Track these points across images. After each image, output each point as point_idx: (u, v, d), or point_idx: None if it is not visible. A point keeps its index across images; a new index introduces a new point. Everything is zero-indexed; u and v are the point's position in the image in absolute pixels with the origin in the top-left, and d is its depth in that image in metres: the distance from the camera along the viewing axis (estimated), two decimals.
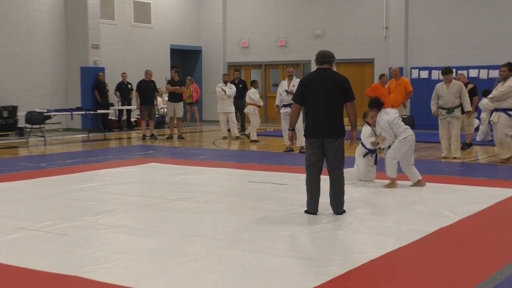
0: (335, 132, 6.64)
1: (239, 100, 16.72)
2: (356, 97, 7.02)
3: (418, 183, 8.47)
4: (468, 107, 11.57)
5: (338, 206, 6.73)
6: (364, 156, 8.77)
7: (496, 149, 11.44)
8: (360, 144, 8.87)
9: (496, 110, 10.94)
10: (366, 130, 8.82)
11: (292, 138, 7.07)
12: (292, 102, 7.11)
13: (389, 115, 8.44)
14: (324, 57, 6.83)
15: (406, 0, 19.09)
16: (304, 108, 6.85)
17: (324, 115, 6.62)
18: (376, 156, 8.88)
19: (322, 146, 6.68)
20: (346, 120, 6.83)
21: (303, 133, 7.30)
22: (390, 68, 16.73)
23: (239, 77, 17.63)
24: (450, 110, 11.49)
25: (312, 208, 6.73)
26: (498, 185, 8.64)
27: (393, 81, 13.86)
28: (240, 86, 17.10)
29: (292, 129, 7.00)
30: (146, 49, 21.05)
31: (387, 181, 8.48)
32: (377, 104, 8.61)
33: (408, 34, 19.20)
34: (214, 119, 19.97)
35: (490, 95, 11.14)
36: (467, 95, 11.60)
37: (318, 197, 6.75)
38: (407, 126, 8.54)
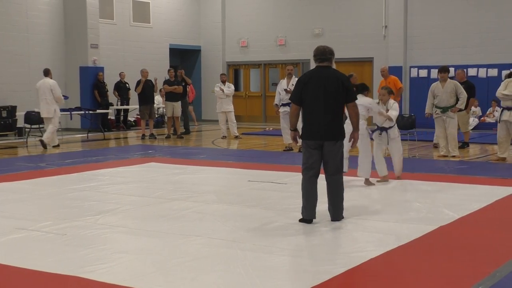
0: (334, 134, 6.30)
1: (183, 99, 16.73)
2: None
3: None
4: (460, 104, 11.48)
5: (336, 214, 6.40)
6: (374, 132, 8.78)
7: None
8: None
9: (509, 109, 10.69)
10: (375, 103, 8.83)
11: (296, 137, 6.71)
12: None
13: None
14: (324, 54, 6.41)
15: None
16: (302, 108, 6.45)
17: (323, 116, 6.26)
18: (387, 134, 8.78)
19: (320, 148, 6.31)
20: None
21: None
22: (389, 68, 16.69)
23: (181, 75, 17.26)
24: (444, 109, 11.50)
25: (308, 214, 6.32)
26: (497, 183, 8.64)
27: (383, 81, 13.92)
28: (183, 84, 17.00)
29: (294, 129, 6.62)
30: (145, 48, 21.05)
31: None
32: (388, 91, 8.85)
33: (407, 33, 19.21)
34: (214, 119, 19.98)
35: (506, 92, 10.67)
36: (464, 92, 11.55)
37: (315, 202, 6.35)
38: None
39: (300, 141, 6.68)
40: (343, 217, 6.45)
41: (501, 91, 10.77)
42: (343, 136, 6.44)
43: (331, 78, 6.33)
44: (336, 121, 6.35)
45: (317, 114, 6.30)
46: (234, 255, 5.11)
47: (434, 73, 17.73)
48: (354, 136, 6.55)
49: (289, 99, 6.64)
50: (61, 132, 17.02)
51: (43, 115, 14.23)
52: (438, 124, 11.71)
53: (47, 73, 14.39)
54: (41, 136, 14.67)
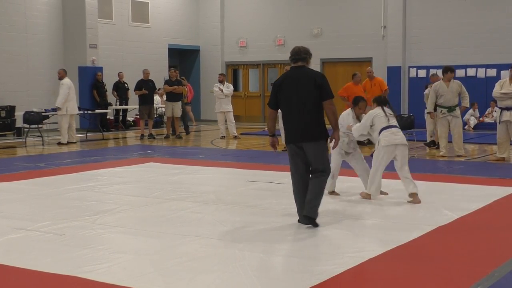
0: (313, 135, 6.06)
1: (180, 101, 16.48)
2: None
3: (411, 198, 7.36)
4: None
5: (309, 209, 6.04)
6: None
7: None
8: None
9: (508, 109, 10.58)
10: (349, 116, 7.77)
11: (274, 144, 6.43)
12: None
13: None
14: (298, 54, 6.18)
15: None
16: (280, 112, 6.30)
17: (299, 117, 6.07)
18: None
19: (302, 152, 6.12)
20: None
21: None
22: (388, 68, 16.73)
23: (176, 76, 16.71)
24: (451, 109, 11.53)
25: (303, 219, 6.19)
26: (496, 183, 8.64)
27: (367, 81, 13.88)
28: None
29: (272, 134, 6.41)
30: (144, 48, 21.04)
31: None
32: (380, 101, 7.67)
33: (406, 33, 19.21)
34: (212, 119, 19.98)
35: (503, 91, 10.54)
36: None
37: None
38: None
39: (278, 147, 6.52)
40: (316, 216, 6.11)
41: (498, 90, 10.67)
42: (325, 136, 6.18)
43: (304, 78, 6.11)
44: (314, 121, 6.09)
45: (293, 116, 6.15)
46: (233, 255, 5.11)
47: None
48: (335, 136, 6.22)
49: (267, 104, 6.41)
50: (60, 132, 17.03)
51: (72, 112, 15.06)
52: (442, 124, 11.72)
53: (66, 73, 15.29)
54: (40, 136, 14.71)
